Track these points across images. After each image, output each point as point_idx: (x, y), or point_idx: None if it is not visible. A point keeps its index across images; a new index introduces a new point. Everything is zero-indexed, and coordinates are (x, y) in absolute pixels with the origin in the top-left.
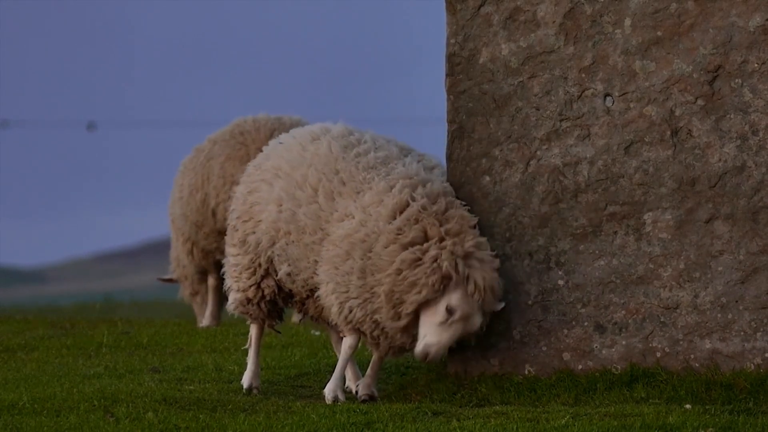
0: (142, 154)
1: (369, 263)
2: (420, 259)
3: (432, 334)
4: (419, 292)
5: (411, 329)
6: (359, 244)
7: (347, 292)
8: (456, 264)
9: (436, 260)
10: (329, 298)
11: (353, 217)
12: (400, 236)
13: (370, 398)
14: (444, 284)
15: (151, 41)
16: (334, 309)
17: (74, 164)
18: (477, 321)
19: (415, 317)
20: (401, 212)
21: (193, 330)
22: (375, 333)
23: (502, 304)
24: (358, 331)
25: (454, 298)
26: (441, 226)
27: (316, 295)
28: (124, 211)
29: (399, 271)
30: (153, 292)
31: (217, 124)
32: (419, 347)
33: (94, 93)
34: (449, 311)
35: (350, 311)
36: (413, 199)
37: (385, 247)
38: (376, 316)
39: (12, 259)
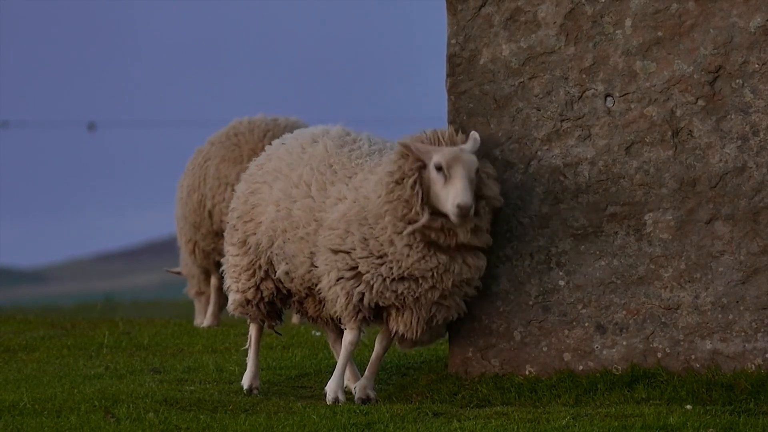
0: (143, 154)
1: (366, 227)
2: (402, 179)
3: (448, 193)
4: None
5: (416, 249)
6: (355, 217)
7: (354, 276)
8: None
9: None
10: (333, 290)
11: (346, 198)
12: (387, 176)
13: (367, 400)
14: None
15: (152, 41)
16: (341, 300)
17: (75, 164)
18: (469, 159)
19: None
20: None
21: (194, 330)
22: (399, 300)
23: (475, 136)
24: (364, 321)
25: (435, 157)
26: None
27: (317, 288)
28: (125, 212)
29: (390, 191)
30: (154, 292)
31: (218, 124)
32: (452, 210)
33: (95, 93)
34: (438, 168)
35: (360, 297)
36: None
37: (378, 196)
38: (388, 257)
39: (12, 259)
